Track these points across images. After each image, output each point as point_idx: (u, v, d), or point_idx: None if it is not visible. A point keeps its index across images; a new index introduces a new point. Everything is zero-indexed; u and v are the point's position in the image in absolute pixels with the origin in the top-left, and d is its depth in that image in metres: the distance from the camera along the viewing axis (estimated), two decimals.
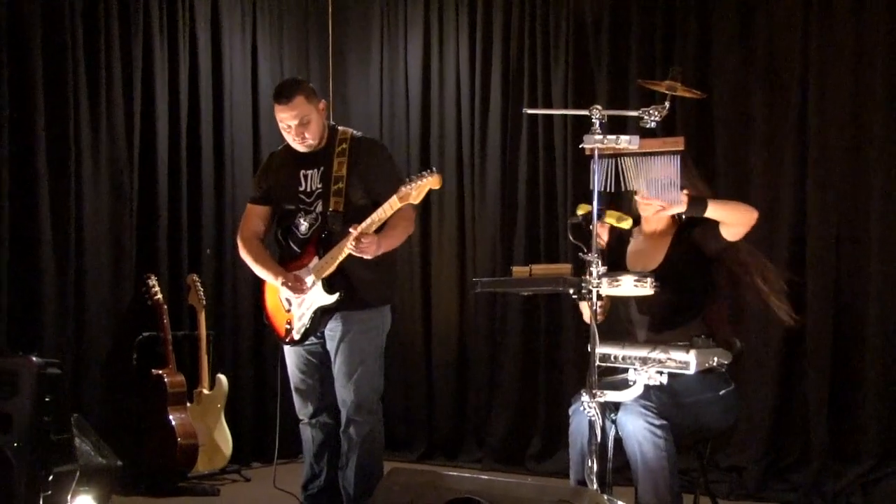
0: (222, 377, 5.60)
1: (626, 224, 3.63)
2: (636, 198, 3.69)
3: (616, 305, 3.81)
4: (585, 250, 3.31)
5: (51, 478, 4.09)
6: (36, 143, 5.06)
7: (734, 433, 5.00)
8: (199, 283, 5.60)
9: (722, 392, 3.60)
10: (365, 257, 3.91)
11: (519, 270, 3.54)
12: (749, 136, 5.17)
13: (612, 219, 3.60)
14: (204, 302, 5.57)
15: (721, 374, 3.58)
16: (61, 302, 5.18)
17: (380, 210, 3.89)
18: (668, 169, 3.39)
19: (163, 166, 5.69)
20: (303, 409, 4.31)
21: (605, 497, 2.74)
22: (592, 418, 3.25)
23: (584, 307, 3.71)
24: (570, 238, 3.47)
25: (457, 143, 6.18)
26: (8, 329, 4.93)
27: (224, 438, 5.52)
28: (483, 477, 2.91)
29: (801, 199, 5.03)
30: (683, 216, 3.71)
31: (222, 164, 6.02)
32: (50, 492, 4.09)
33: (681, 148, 3.37)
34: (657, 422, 3.38)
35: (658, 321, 3.70)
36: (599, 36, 5.64)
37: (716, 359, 3.45)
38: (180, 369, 5.39)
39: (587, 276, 3.27)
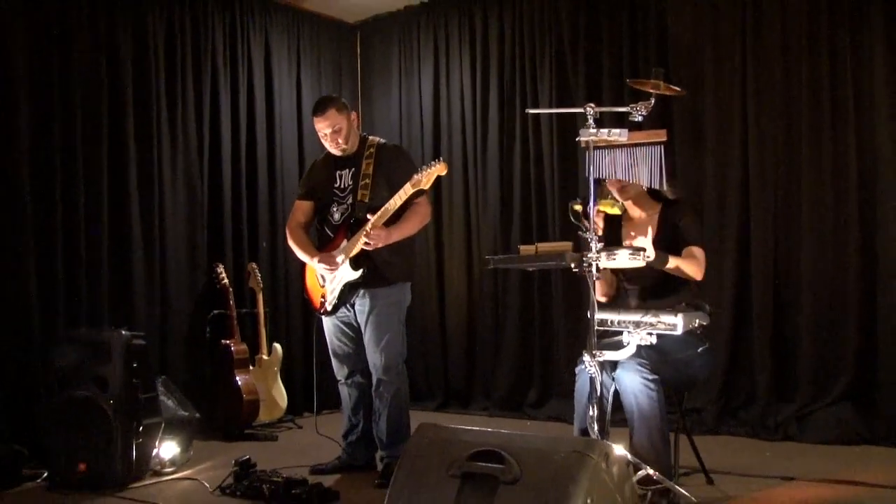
0: (278, 346, 5.61)
1: (617, 210, 3.64)
2: (611, 189, 3.65)
3: (618, 279, 3.77)
4: (585, 229, 3.25)
5: (140, 428, 4.10)
6: (127, 159, 5.13)
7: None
8: (257, 270, 5.61)
9: (700, 349, 3.56)
10: (377, 246, 3.91)
11: (526, 248, 3.46)
12: (702, 141, 5.11)
13: (605, 206, 3.57)
14: (261, 285, 5.59)
15: (699, 334, 3.52)
16: (149, 286, 5.25)
17: (395, 197, 3.91)
18: (653, 158, 3.31)
19: (227, 175, 5.74)
20: (340, 371, 4.31)
21: (612, 445, 2.64)
22: (593, 375, 3.20)
23: (598, 284, 3.68)
24: (572, 220, 3.37)
25: (462, 148, 6.17)
26: (109, 307, 4.96)
27: (280, 395, 5.52)
28: (503, 431, 2.79)
29: (745, 191, 5.00)
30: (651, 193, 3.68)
31: (274, 173, 6.04)
32: (141, 440, 4.11)
33: (663, 139, 3.31)
34: (650, 376, 3.35)
35: (647, 291, 3.66)
36: (577, 59, 5.60)
37: (697, 321, 3.39)
38: (243, 340, 5.42)
39: (587, 252, 3.20)
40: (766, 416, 4.78)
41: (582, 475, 2.45)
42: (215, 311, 5.43)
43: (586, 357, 3.25)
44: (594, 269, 3.20)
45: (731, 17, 5.05)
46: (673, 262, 3.42)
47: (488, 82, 6.01)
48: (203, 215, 5.58)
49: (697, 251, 3.53)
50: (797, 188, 4.85)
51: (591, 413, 3.22)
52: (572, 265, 3.26)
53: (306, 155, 6.14)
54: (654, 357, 3.39)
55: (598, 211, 3.54)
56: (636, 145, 3.33)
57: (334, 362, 4.31)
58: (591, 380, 3.23)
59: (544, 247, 3.39)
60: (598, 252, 3.19)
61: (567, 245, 3.38)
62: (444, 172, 3.85)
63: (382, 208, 3.92)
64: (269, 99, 6.00)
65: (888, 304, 4.59)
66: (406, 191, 3.87)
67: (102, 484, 3.97)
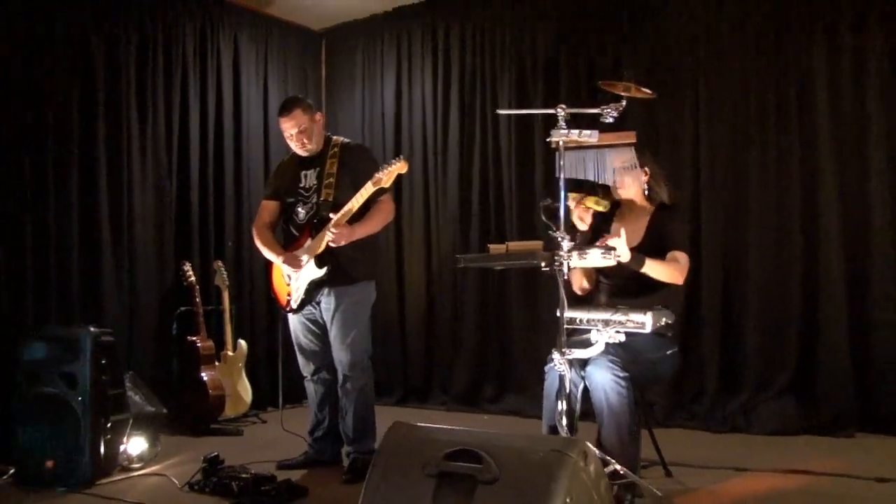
0: (243, 342, 5.44)
1: (604, 207, 3.45)
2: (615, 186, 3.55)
3: (596, 274, 3.66)
4: (555, 228, 3.11)
5: (109, 425, 3.90)
6: (98, 158, 4.92)
7: None
8: (223, 268, 5.43)
9: (669, 352, 3.47)
10: (340, 245, 3.76)
11: (496, 248, 3.29)
12: (654, 145, 5.06)
13: (590, 202, 3.43)
14: (227, 283, 5.41)
15: (670, 337, 3.42)
16: (118, 283, 5.04)
17: (357, 196, 3.77)
18: (624, 157, 3.23)
19: (195, 176, 5.54)
20: (306, 368, 4.15)
21: (588, 444, 2.51)
22: (562, 372, 3.09)
23: (574, 276, 3.58)
24: (543, 218, 3.19)
25: (423, 151, 6.05)
26: (79, 304, 4.75)
27: (245, 390, 5.35)
28: (478, 430, 2.64)
29: (696, 193, 4.98)
30: (649, 195, 3.60)
31: (240, 174, 5.86)
32: (109, 436, 3.90)
33: (633, 140, 3.23)
34: (621, 374, 3.22)
35: (619, 288, 3.53)
36: (536, 68, 5.54)
37: (664, 319, 3.31)
38: (209, 336, 5.22)
39: (558, 251, 3.06)
40: (715, 409, 4.77)
41: (562, 474, 2.34)
42: (182, 308, 5.23)
43: (556, 355, 3.14)
44: (565, 268, 3.09)
45: (686, 29, 5.02)
46: (650, 265, 3.30)
47: (449, 89, 5.90)
48: (171, 214, 5.38)
49: (681, 256, 3.43)
50: (745, 193, 4.85)
51: (560, 408, 3.12)
52: (543, 264, 3.15)
53: (272, 157, 5.97)
54: (624, 355, 3.28)
55: (586, 207, 3.44)
56: (606, 146, 3.25)
57: (300, 359, 4.15)
58: (561, 377, 3.13)
59: (515, 246, 3.26)
60: (568, 251, 3.09)
61: (538, 244, 3.25)
62: (404, 170, 3.72)
63: (345, 206, 3.78)
64: (237, 102, 5.82)
65: (828, 303, 4.61)
66: (367, 189, 3.73)
67: (70, 481, 3.76)
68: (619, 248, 3.18)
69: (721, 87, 4.91)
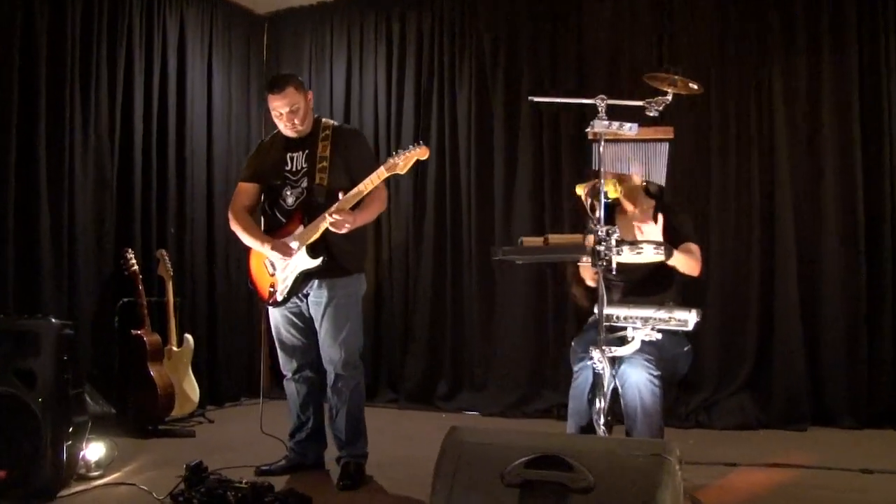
0: (189, 337, 4.85)
1: (619, 194, 3.27)
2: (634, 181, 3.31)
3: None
4: (595, 222, 2.84)
5: (70, 428, 3.30)
6: (37, 136, 4.25)
7: None
8: (166, 257, 4.82)
9: (686, 349, 3.28)
10: (341, 232, 3.33)
11: (530, 240, 2.98)
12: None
13: (609, 187, 3.18)
14: (171, 272, 4.79)
15: (684, 333, 3.19)
16: (57, 270, 4.37)
17: (367, 181, 3.31)
18: (659, 154, 3.00)
19: (137, 157, 4.91)
20: (287, 366, 3.65)
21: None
22: (600, 370, 2.83)
23: (586, 271, 3.31)
24: (588, 211, 2.94)
25: (374, 143, 5.56)
26: (13, 292, 4.06)
27: (192, 388, 4.78)
28: (555, 433, 2.32)
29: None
30: (652, 192, 3.39)
31: (183, 157, 5.24)
32: (70, 441, 3.30)
33: (670, 136, 3.00)
34: (655, 372, 3.00)
35: (634, 285, 3.30)
36: (496, 63, 5.26)
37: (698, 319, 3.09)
38: (153, 330, 4.60)
39: (605, 244, 2.77)
40: (678, 405, 4.62)
41: (667, 480, 2.07)
42: (125, 299, 4.60)
43: (595, 352, 2.89)
44: (613, 263, 2.84)
45: (646, 30, 4.89)
46: (676, 256, 3.08)
47: (403, 83, 5.51)
48: (112, 197, 4.74)
49: (695, 247, 3.24)
50: (706, 195, 4.76)
51: (599, 406, 2.85)
52: (585, 259, 2.89)
53: (215, 140, 5.42)
54: (656, 354, 3.07)
55: (607, 198, 3.18)
56: (643, 141, 3.03)
57: (282, 356, 3.65)
58: (600, 375, 2.89)
59: (556, 238, 2.97)
60: (617, 244, 2.83)
61: (578, 237, 3.00)
62: (425, 157, 3.29)
63: (354, 191, 3.32)
64: (181, 81, 5.21)
65: (783, 302, 4.59)
66: (380, 174, 3.28)
67: (27, 493, 3.12)
68: (654, 236, 2.99)
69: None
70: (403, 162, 3.27)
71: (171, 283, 4.77)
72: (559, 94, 4.99)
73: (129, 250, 4.64)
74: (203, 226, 5.32)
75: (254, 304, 5.69)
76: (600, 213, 2.89)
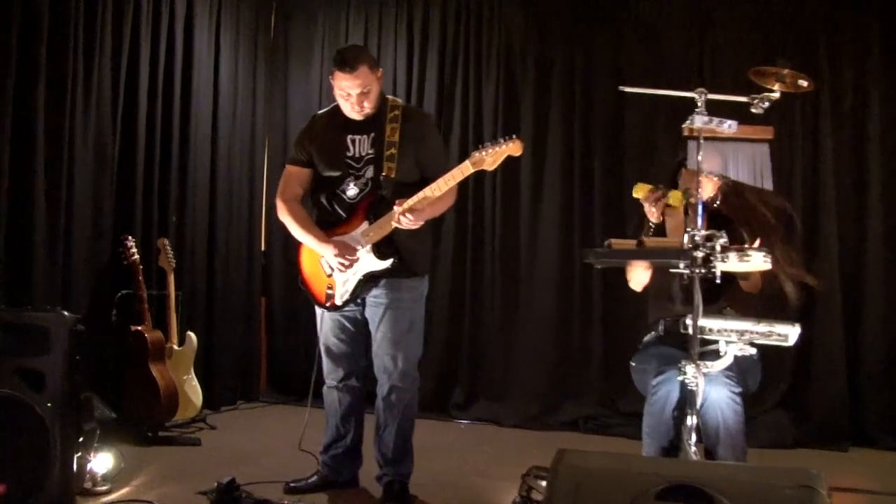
0: (192, 334, 4.35)
1: (682, 203, 2.89)
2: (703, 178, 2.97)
3: (656, 278, 3.06)
4: (692, 227, 2.52)
5: (81, 437, 2.84)
6: (36, 112, 3.71)
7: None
8: (168, 247, 4.33)
9: (756, 358, 2.96)
10: (412, 227, 2.93)
11: (619, 243, 2.66)
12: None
13: (674, 200, 2.86)
14: (173, 264, 4.31)
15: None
16: (51, 258, 3.82)
17: (449, 176, 2.87)
18: (757, 155, 2.69)
19: (141, 135, 4.38)
20: (333, 373, 3.23)
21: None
22: (693, 388, 2.51)
23: (638, 272, 2.97)
24: (654, 217, 2.71)
25: None
26: (3, 283, 3.52)
27: (195, 391, 4.30)
28: (675, 459, 2.01)
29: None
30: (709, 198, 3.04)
31: (187, 139, 4.70)
32: (80, 451, 2.84)
33: (770, 137, 2.69)
34: (737, 389, 2.72)
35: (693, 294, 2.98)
36: (526, 57, 4.89)
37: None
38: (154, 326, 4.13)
39: (705, 249, 2.47)
40: None
41: None
42: (124, 291, 4.11)
43: (689, 367, 2.57)
44: (717, 271, 2.53)
45: (684, 28, 4.61)
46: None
47: (425, 75, 5.07)
48: (112, 178, 4.22)
49: None
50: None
51: (690, 424, 2.54)
52: (683, 265, 2.56)
53: (220, 119, 4.92)
54: (734, 368, 2.77)
55: (666, 203, 2.88)
56: (741, 140, 2.72)
57: (327, 363, 3.22)
58: (692, 392, 2.57)
59: (652, 242, 2.64)
60: (723, 251, 2.51)
61: (675, 241, 2.67)
62: (518, 153, 2.87)
63: (432, 186, 2.87)
64: (188, 57, 4.67)
65: (824, 317, 4.34)
66: (463, 170, 2.84)
67: None
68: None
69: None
70: (492, 158, 2.85)
71: (172, 275, 4.29)
72: (596, 88, 4.70)
73: (130, 237, 4.15)
74: (205, 215, 4.83)
75: (254, 302, 5.24)
76: (699, 215, 2.59)
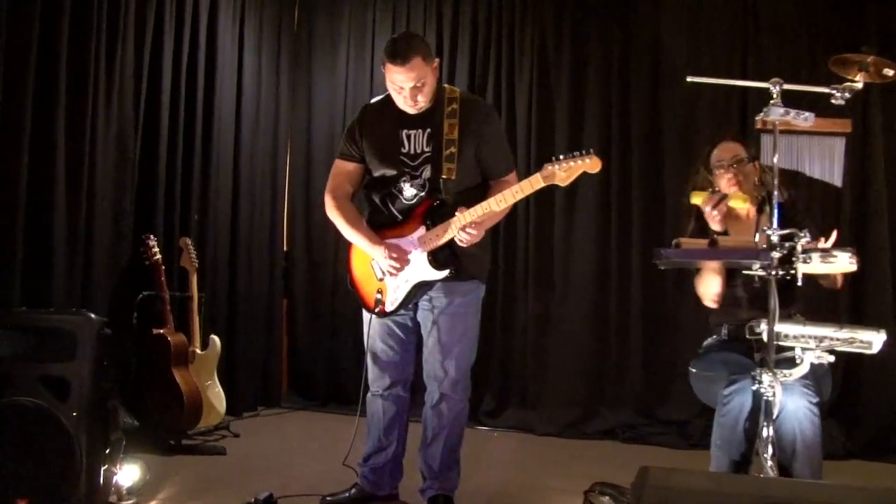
0: (216, 338, 4.15)
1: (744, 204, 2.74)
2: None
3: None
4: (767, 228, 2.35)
5: (108, 449, 2.63)
6: (57, 108, 3.48)
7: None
8: (191, 246, 4.13)
9: (827, 366, 2.75)
10: (473, 242, 2.73)
11: (689, 242, 2.49)
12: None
13: (738, 201, 2.71)
14: (196, 264, 4.12)
15: None
16: (71, 258, 3.59)
17: (516, 188, 2.65)
18: (833, 150, 2.49)
19: (164, 130, 4.17)
20: (378, 381, 3.03)
21: None
22: (770, 398, 2.32)
23: (711, 280, 2.77)
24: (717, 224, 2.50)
25: None
26: (21, 282, 3.29)
27: (218, 397, 4.09)
28: (775, 478, 1.86)
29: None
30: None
31: (210, 134, 4.50)
32: (107, 464, 2.63)
33: (848, 130, 2.50)
34: (815, 399, 2.56)
35: (762, 298, 2.76)
36: (560, 52, 4.69)
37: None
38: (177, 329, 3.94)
39: (785, 249, 2.28)
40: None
41: None
42: (145, 293, 3.90)
43: (765, 376, 2.38)
44: (799, 273, 2.33)
45: (726, 23, 4.41)
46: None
47: (454, 71, 4.84)
48: (133, 175, 4.01)
49: None
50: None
51: (767, 435, 2.36)
52: (759, 266, 2.37)
53: (243, 117, 4.72)
54: (810, 376, 2.57)
55: (726, 206, 2.73)
56: (817, 134, 2.52)
57: (373, 370, 3.02)
58: (769, 403, 2.37)
59: (727, 241, 2.44)
60: (804, 252, 2.31)
61: (750, 240, 2.48)
62: (595, 170, 2.62)
63: (497, 198, 2.65)
64: (211, 52, 4.46)
65: (874, 325, 4.12)
66: (533, 183, 2.61)
67: None
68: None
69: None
70: (566, 173, 2.61)
71: (195, 276, 4.09)
72: (631, 87, 4.50)
73: (151, 236, 3.94)
74: (227, 215, 4.63)
75: (276, 304, 5.02)
76: (774, 214, 2.39)
